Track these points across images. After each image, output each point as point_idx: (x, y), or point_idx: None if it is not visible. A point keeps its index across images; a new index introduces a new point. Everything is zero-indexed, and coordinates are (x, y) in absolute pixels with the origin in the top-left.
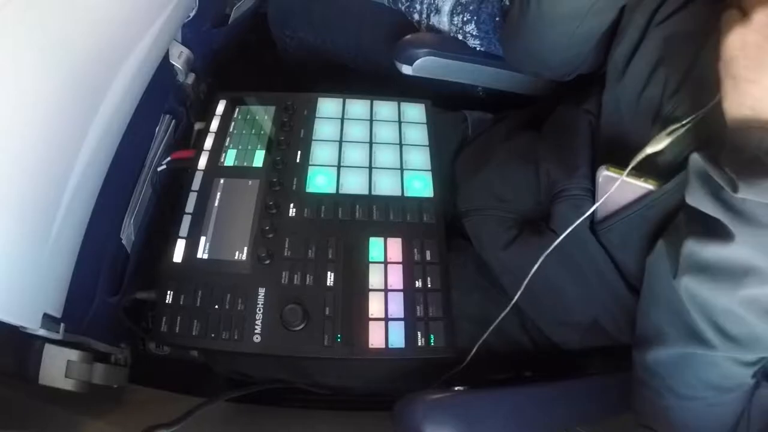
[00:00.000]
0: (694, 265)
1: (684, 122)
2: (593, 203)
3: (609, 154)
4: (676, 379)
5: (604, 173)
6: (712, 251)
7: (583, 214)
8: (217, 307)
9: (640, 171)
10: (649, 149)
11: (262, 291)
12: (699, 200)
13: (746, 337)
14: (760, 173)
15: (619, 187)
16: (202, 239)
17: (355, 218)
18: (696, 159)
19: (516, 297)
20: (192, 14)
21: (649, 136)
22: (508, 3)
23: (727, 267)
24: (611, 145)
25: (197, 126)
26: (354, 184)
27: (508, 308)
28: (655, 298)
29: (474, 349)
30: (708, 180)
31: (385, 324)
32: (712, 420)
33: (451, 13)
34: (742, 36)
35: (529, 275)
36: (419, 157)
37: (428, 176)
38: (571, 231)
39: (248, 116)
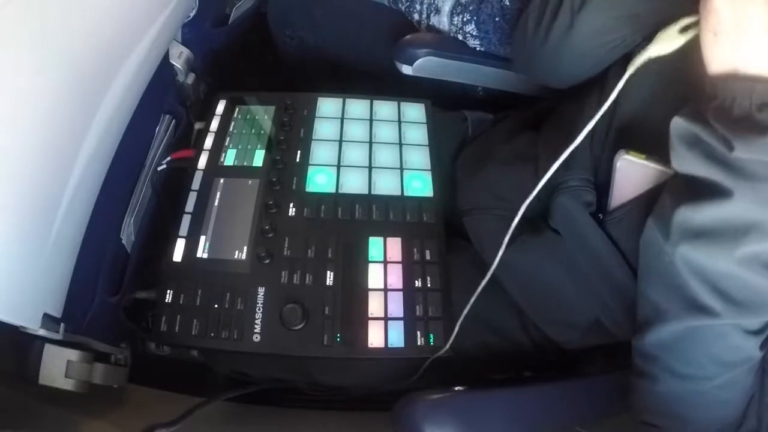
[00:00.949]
0: (688, 232)
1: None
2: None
3: (621, 144)
4: (678, 357)
5: (624, 157)
6: (707, 213)
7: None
8: (216, 306)
9: (660, 157)
10: (654, 50)
11: (261, 290)
12: (689, 164)
13: (750, 300)
14: (754, 130)
15: (637, 174)
16: (202, 239)
17: (355, 218)
18: (678, 122)
19: (493, 267)
20: (192, 14)
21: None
22: (508, 3)
23: (726, 226)
24: (624, 135)
25: (197, 126)
26: (354, 183)
27: (486, 278)
28: (650, 276)
29: (453, 333)
30: (697, 142)
31: (385, 323)
32: (720, 402)
33: (451, 13)
34: None
35: (503, 245)
36: (419, 157)
37: (428, 176)
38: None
39: (248, 116)
